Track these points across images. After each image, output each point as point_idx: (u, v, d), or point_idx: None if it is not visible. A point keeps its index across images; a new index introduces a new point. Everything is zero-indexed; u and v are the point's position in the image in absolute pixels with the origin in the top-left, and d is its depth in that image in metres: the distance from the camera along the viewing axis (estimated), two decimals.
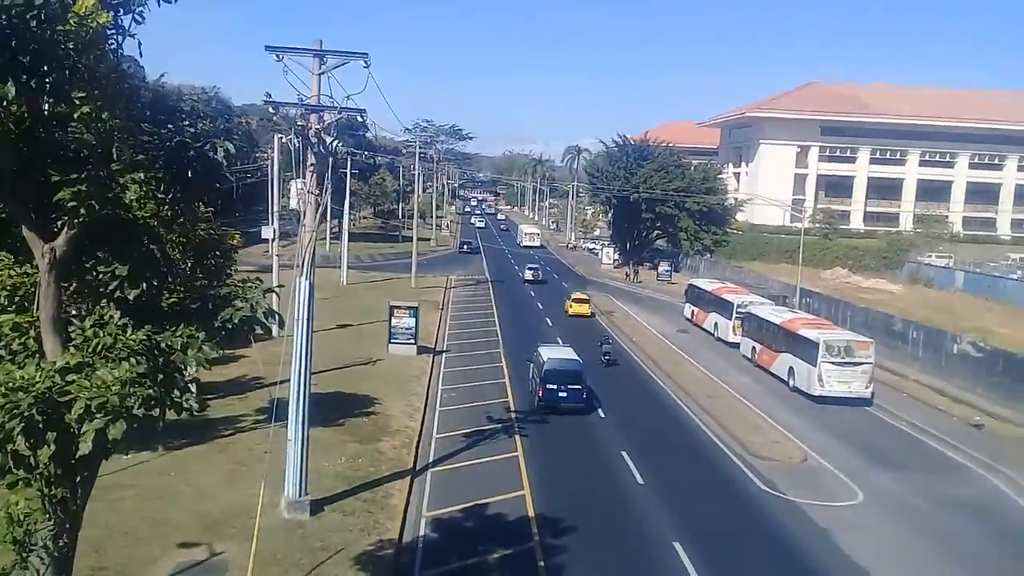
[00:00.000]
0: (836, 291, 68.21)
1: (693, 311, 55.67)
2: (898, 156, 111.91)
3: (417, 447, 26.66)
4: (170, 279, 9.94)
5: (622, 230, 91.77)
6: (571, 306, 55.88)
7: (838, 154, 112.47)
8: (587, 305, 56.27)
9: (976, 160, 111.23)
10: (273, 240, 44.77)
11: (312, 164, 19.72)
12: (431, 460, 25.70)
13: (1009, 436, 31.85)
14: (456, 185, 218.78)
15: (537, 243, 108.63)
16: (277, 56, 18.58)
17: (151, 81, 9.62)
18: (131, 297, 8.86)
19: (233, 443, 24.88)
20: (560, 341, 40.23)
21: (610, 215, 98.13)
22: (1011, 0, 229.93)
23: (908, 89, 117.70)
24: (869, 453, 29.14)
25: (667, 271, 78.23)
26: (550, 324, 52.00)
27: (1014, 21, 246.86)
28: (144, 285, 8.92)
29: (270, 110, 20.13)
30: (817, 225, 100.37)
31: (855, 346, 36.30)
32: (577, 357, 32.45)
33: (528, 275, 73.50)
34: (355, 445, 25.64)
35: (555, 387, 30.48)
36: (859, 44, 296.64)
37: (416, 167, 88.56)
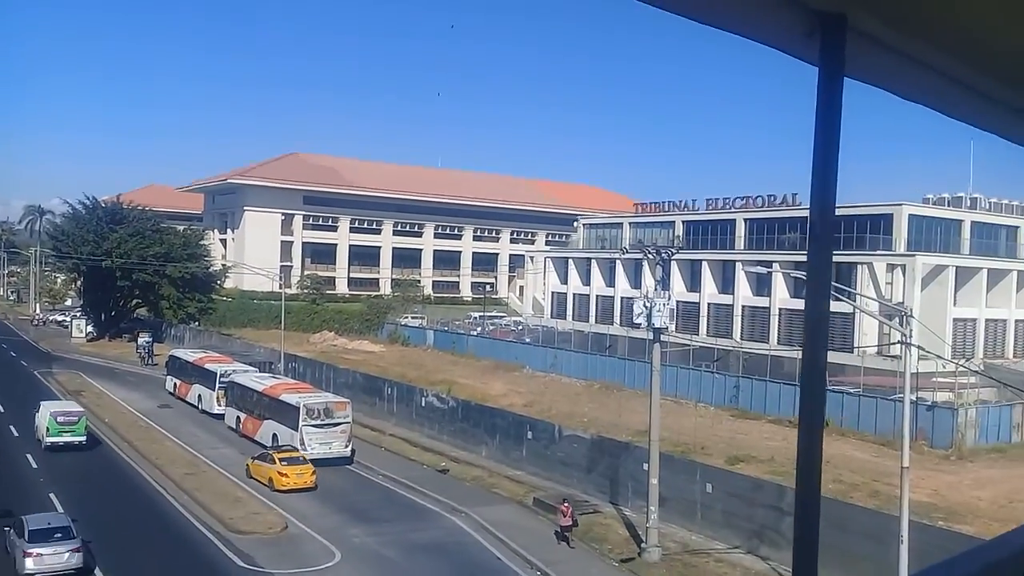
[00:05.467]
0: (323, 354, 70.13)
1: (176, 383, 52.48)
2: (375, 226, 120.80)
3: None
4: None
5: (95, 300, 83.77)
6: None
7: (321, 223, 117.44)
8: None
9: (439, 230, 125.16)
10: None
11: None
12: None
13: (468, 476, 35.37)
14: None
15: None
16: None
17: None
18: None
19: None
20: None
21: (79, 283, 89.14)
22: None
23: (377, 164, 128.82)
24: (348, 511, 29.90)
25: (148, 342, 72.85)
26: None
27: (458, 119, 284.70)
28: None
29: None
30: (305, 291, 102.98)
31: (333, 407, 37.36)
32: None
33: None
34: None
35: None
36: (332, 119, 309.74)
37: None
